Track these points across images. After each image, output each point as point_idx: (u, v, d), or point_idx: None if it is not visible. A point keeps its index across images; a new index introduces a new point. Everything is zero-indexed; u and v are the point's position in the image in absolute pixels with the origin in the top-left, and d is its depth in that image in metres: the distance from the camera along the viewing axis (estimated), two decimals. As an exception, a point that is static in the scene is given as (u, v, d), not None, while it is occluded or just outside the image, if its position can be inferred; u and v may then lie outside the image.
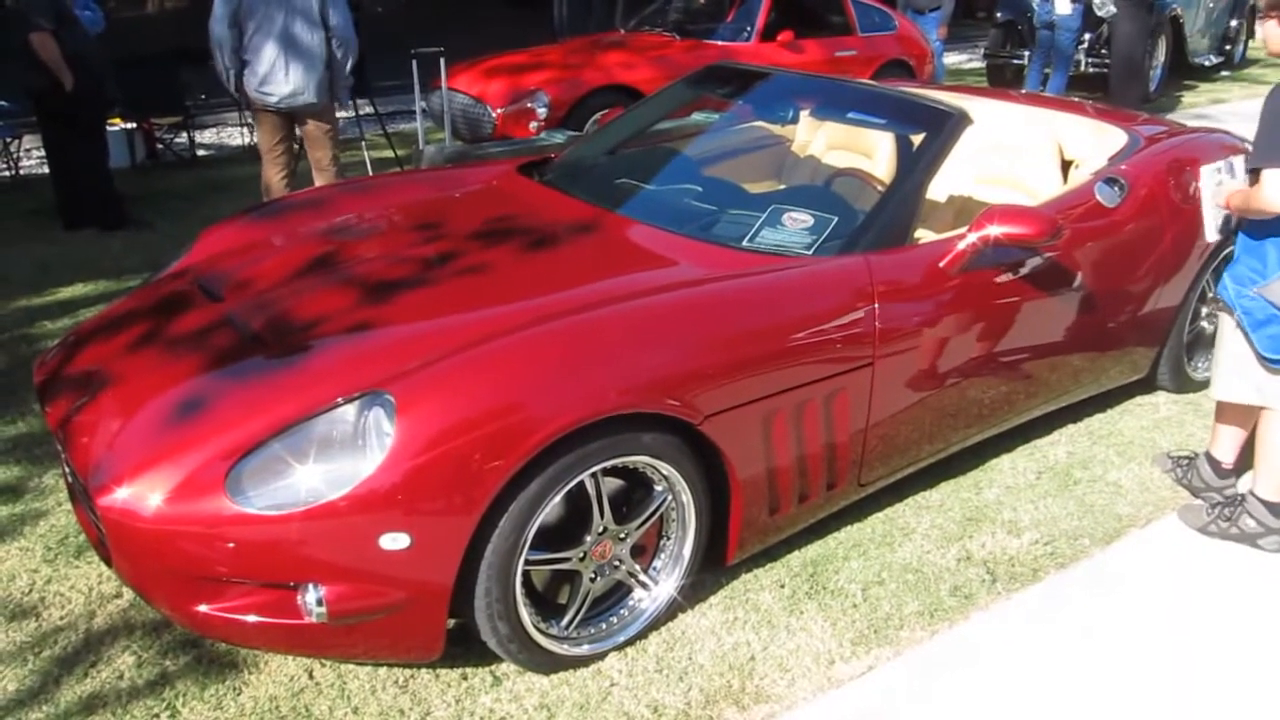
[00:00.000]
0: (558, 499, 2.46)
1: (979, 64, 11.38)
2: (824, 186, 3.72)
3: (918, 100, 3.47)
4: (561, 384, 2.40)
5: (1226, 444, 3.39)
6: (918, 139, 3.32)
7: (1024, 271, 3.29)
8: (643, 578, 2.75)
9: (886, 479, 3.22)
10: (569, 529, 2.59)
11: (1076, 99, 6.25)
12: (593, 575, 2.64)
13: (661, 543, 2.78)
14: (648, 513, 2.67)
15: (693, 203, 3.45)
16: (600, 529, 2.61)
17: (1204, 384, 4.17)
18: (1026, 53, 10.02)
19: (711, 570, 2.94)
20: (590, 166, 3.80)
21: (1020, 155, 3.99)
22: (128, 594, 2.87)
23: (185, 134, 8.24)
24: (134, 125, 7.82)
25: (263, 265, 3.15)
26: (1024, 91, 7.11)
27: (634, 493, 2.69)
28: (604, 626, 2.72)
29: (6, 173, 7.57)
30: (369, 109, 6.92)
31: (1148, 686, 2.62)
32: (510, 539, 2.41)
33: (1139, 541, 3.25)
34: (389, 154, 6.62)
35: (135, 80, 7.54)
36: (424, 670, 2.64)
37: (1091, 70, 9.99)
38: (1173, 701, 2.57)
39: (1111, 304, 3.65)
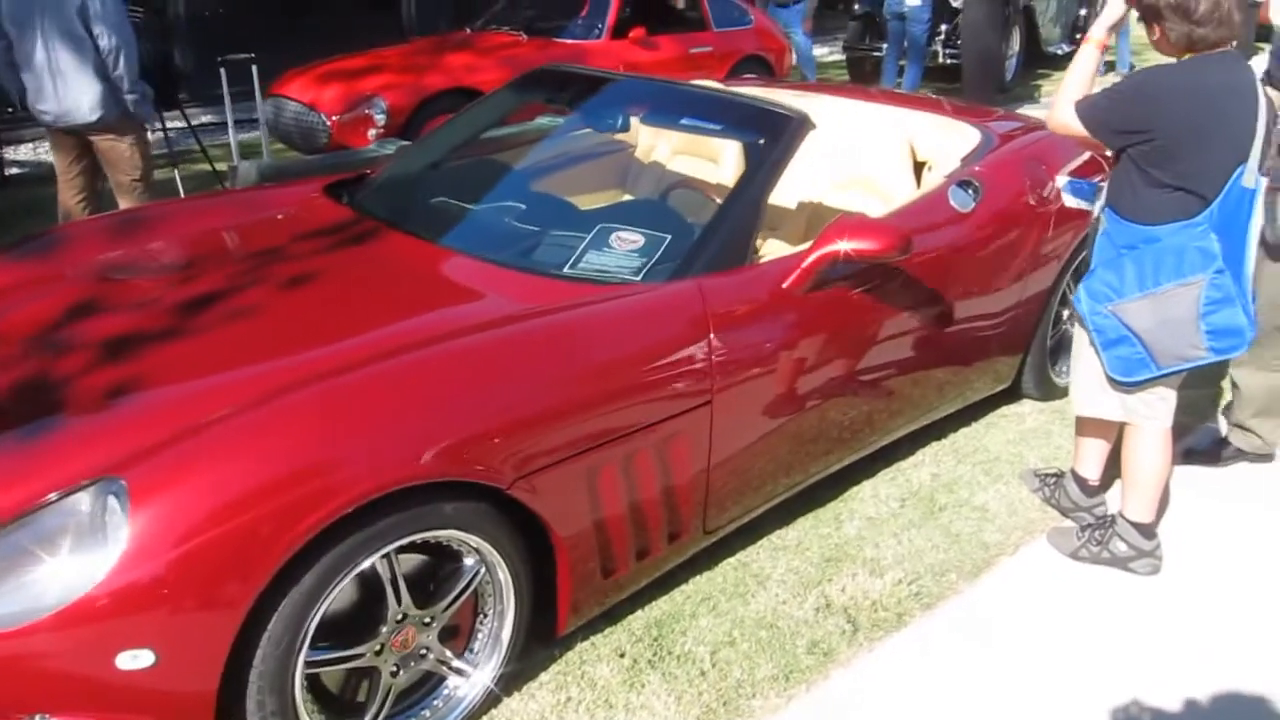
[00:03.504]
0: (341, 589, 2.08)
1: (840, 57, 11.28)
2: (659, 200, 3.42)
3: (753, 104, 3.19)
4: (330, 459, 2.01)
5: (1091, 460, 3.21)
6: (754, 146, 3.04)
7: (877, 285, 3.04)
8: (457, 664, 2.39)
9: (736, 521, 2.93)
10: (361, 619, 2.21)
11: (929, 95, 6.12)
12: (394, 669, 2.27)
13: (478, 622, 2.42)
14: (455, 592, 2.31)
15: (514, 224, 3.10)
16: (399, 616, 2.23)
17: (1069, 390, 4.02)
18: (885, 45, 9.94)
19: (543, 641, 2.60)
20: (404, 185, 3.41)
21: (872, 157, 3.75)
22: None
23: (-9, 150, 7.49)
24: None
25: (12, 315, 2.67)
26: (878, 89, 6.98)
27: (441, 568, 2.33)
28: (417, 721, 2.35)
29: None
30: (179, 123, 6.30)
31: (1020, 747, 2.38)
32: (283, 642, 2.03)
33: (1008, 573, 3.03)
34: (208, 168, 6.08)
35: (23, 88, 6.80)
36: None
37: (950, 62, 9.96)
38: (1047, 764, 2.34)
39: (971, 313, 3.44)
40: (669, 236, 2.89)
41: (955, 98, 6.16)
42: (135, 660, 1.89)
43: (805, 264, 2.79)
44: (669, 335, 2.56)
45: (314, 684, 2.20)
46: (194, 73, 6.24)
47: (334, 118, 6.53)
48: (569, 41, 7.53)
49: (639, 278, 2.75)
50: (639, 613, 2.79)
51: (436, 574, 2.33)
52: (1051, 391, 3.98)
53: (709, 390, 2.59)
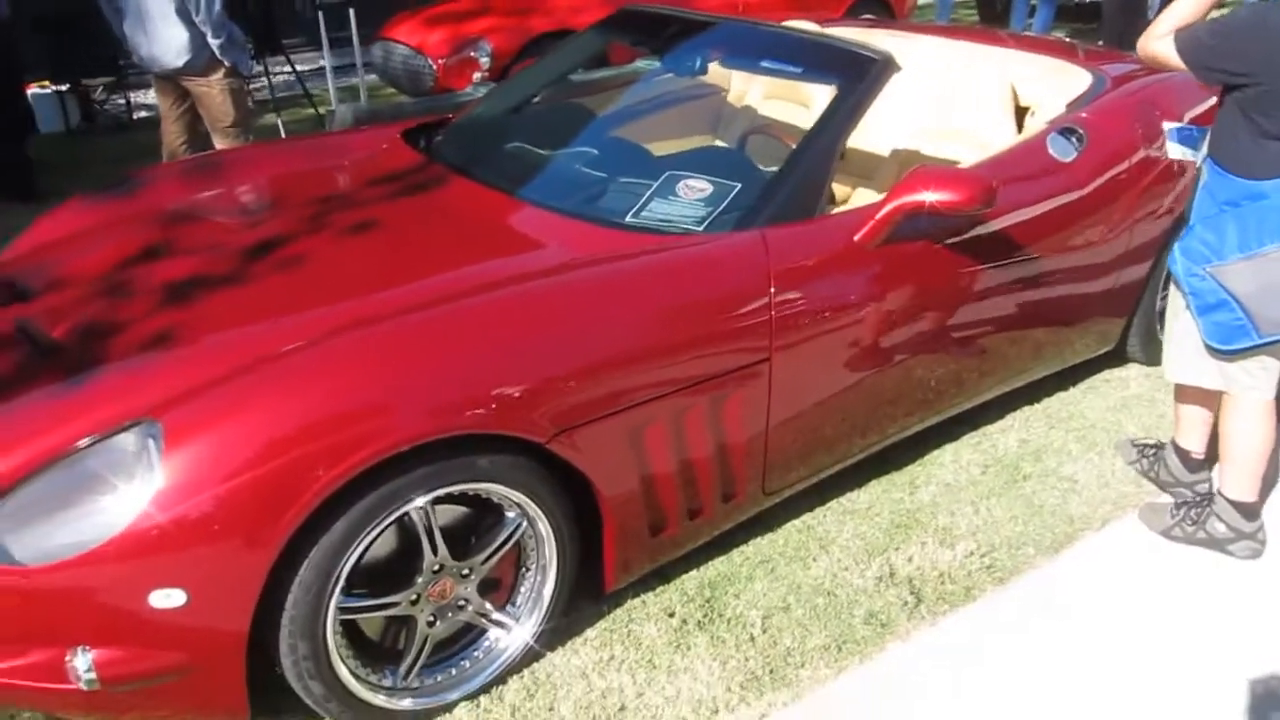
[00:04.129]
0: (373, 538, 2.08)
1: (970, -4, 10.74)
2: (733, 148, 3.27)
3: (835, 45, 3.01)
4: (361, 408, 1.99)
5: (1193, 431, 2.97)
6: (834, 89, 2.87)
7: (963, 239, 2.86)
8: (498, 616, 2.37)
9: (799, 484, 2.82)
10: (399, 568, 2.21)
11: (1050, 37, 5.73)
12: (431, 619, 2.26)
13: (520, 576, 2.39)
14: (494, 546, 2.28)
15: (582, 170, 3.02)
16: (435, 567, 2.22)
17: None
18: (1018, -17, 9.38)
19: (592, 597, 2.56)
20: (476, 130, 3.36)
21: (969, 103, 3.52)
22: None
23: (122, 95, 7.78)
24: (66, 88, 7.37)
25: (85, 259, 2.74)
26: (986, 28, 6.57)
27: (482, 521, 2.30)
28: (453, 673, 2.35)
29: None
30: (285, 66, 6.40)
31: (1083, 737, 2.24)
32: (314, 588, 2.03)
33: (1092, 549, 2.84)
34: (312, 112, 6.17)
35: (62, 40, 7.10)
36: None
37: (1087, 0, 9.35)
38: (1110, 757, 2.19)
39: (1071, 270, 3.21)
40: (738, 185, 2.77)
41: (1090, 40, 5.75)
42: (168, 599, 1.92)
43: (878, 216, 2.63)
44: (727, 288, 2.45)
45: (352, 630, 2.22)
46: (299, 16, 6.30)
47: (439, 61, 6.53)
48: (677, -19, 7.32)
49: (701, 228, 2.64)
50: (693, 572, 2.72)
51: (477, 526, 2.30)
52: (1159, 356, 3.70)
53: (768, 347, 2.48)
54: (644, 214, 2.70)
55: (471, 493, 2.21)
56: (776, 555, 2.79)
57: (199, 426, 1.95)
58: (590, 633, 2.53)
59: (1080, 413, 3.47)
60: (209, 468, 1.91)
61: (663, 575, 2.69)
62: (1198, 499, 2.86)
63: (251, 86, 5.89)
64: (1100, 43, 7.75)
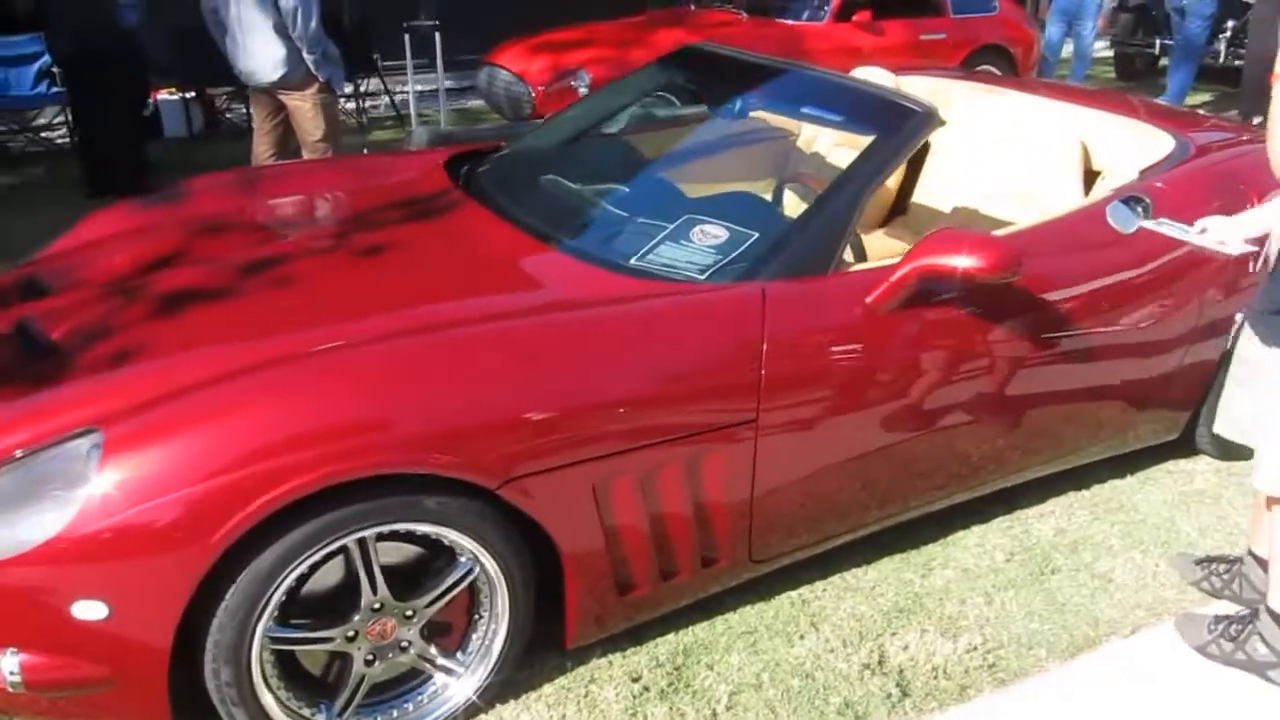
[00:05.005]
0: (305, 569, 2.03)
1: (1108, 53, 10.26)
2: (772, 195, 3.14)
3: (877, 94, 2.86)
4: (298, 437, 1.95)
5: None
6: (869, 140, 2.73)
7: (995, 309, 2.66)
8: (444, 663, 2.28)
9: (794, 554, 2.66)
10: (339, 603, 2.15)
11: (1122, 94, 5.38)
12: (370, 658, 2.20)
13: (472, 623, 2.31)
14: (439, 590, 2.20)
15: (607, 209, 2.93)
16: (375, 605, 2.15)
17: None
18: (1159, 41, 8.94)
19: (558, 650, 2.46)
20: (517, 162, 3.32)
21: (1033, 162, 3.31)
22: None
23: (243, 104, 8.10)
24: (192, 94, 7.73)
25: (106, 263, 2.81)
26: (1066, 84, 6.21)
27: (434, 563, 2.23)
28: (394, 715, 2.27)
29: (64, 139, 7.58)
30: (374, 85, 6.51)
31: None
32: (240, 614, 1.99)
33: (1113, 658, 2.58)
34: (397, 132, 6.28)
35: (192, 49, 7.43)
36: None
37: (1237, 64, 8.81)
38: None
39: (1125, 349, 2.97)
40: (755, 234, 2.64)
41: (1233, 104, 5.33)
42: (90, 610, 1.91)
43: (894, 278, 2.47)
44: (713, 342, 2.33)
45: (290, 662, 2.17)
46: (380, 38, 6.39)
47: (539, 88, 6.59)
48: (788, 23, 7.24)
49: (704, 276, 2.52)
50: (670, 636, 2.58)
51: (429, 568, 2.23)
52: (1232, 449, 3.38)
53: (755, 408, 2.34)
54: (650, 257, 2.61)
55: (421, 533, 2.14)
56: (762, 627, 2.63)
57: (138, 440, 1.94)
58: (548, 688, 2.42)
59: (1133, 504, 3.19)
60: (140, 483, 1.90)
61: (636, 636, 2.56)
62: (1238, 616, 2.57)
63: (356, 105, 6.05)
64: (1236, 111, 7.29)
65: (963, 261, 2.39)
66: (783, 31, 7.08)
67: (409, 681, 2.30)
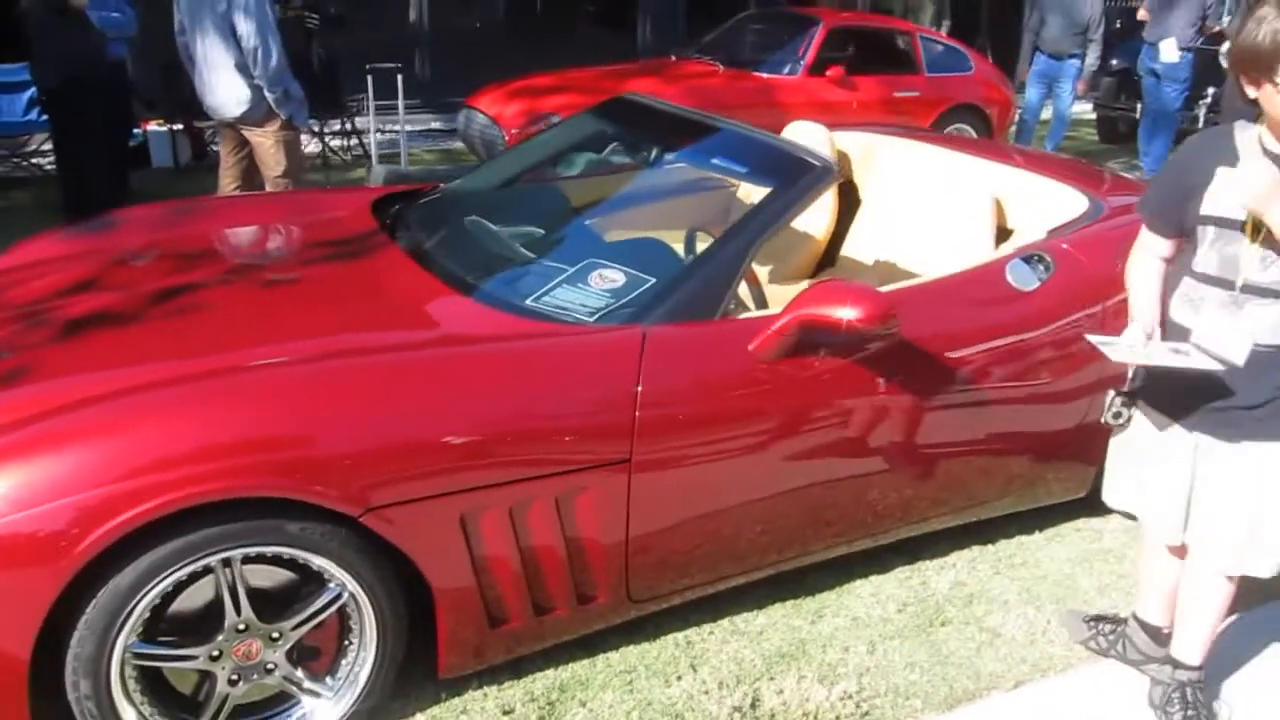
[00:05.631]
0: (165, 588, 2.07)
1: (1092, 115, 10.38)
2: (685, 242, 3.21)
3: (778, 148, 2.94)
4: (159, 459, 2.01)
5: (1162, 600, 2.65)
6: (766, 192, 2.80)
7: (886, 361, 2.72)
8: (311, 686, 2.32)
9: (676, 597, 2.70)
10: (203, 622, 2.20)
11: (1049, 154, 5.45)
12: (234, 678, 2.24)
13: (343, 649, 2.35)
14: (305, 614, 2.25)
15: (517, 251, 3.00)
16: (240, 626, 2.20)
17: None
18: (1141, 105, 9.04)
19: (435, 679, 2.49)
20: (441, 204, 3.40)
21: (947, 218, 3.38)
22: None
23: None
24: (180, 127, 7.89)
25: (29, 285, 2.89)
26: (993, 142, 6.29)
27: (303, 587, 2.28)
28: (258, 737, 2.31)
29: (52, 165, 7.73)
30: (338, 125, 6.63)
31: None
32: (99, 629, 2.05)
33: (991, 712, 2.60)
34: (361, 171, 6.41)
35: (179, 82, 7.60)
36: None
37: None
38: None
39: (1021, 406, 3.01)
40: (652, 280, 2.71)
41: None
42: (-50, 616, 1.97)
43: (774, 327, 2.53)
44: (587, 382, 2.39)
45: (155, 678, 2.21)
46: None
47: (512, 131, 6.71)
48: (763, 76, 7.37)
49: (592, 319, 2.59)
50: (549, 671, 2.62)
51: (298, 592, 2.28)
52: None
53: (628, 449, 2.39)
54: (545, 299, 2.68)
55: (287, 557, 2.20)
56: (642, 666, 2.66)
57: (7, 459, 2.01)
58: (419, 717, 2.46)
59: (1036, 560, 3.22)
60: (8, 499, 1.96)
61: (516, 669, 2.60)
62: (1187, 680, 2.52)
63: (321, 143, 6.16)
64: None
65: (839, 312, 2.45)
66: (757, 84, 7.21)
67: (277, 705, 2.34)
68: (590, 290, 2.70)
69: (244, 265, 2.88)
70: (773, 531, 2.74)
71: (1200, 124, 8.82)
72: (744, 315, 2.69)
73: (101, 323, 2.57)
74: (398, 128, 6.85)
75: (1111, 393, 2.48)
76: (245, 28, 4.55)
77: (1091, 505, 3.41)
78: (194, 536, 2.06)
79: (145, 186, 7.05)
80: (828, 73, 7.31)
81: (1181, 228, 2.28)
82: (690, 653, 2.72)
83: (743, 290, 2.99)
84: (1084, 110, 10.26)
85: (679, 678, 2.63)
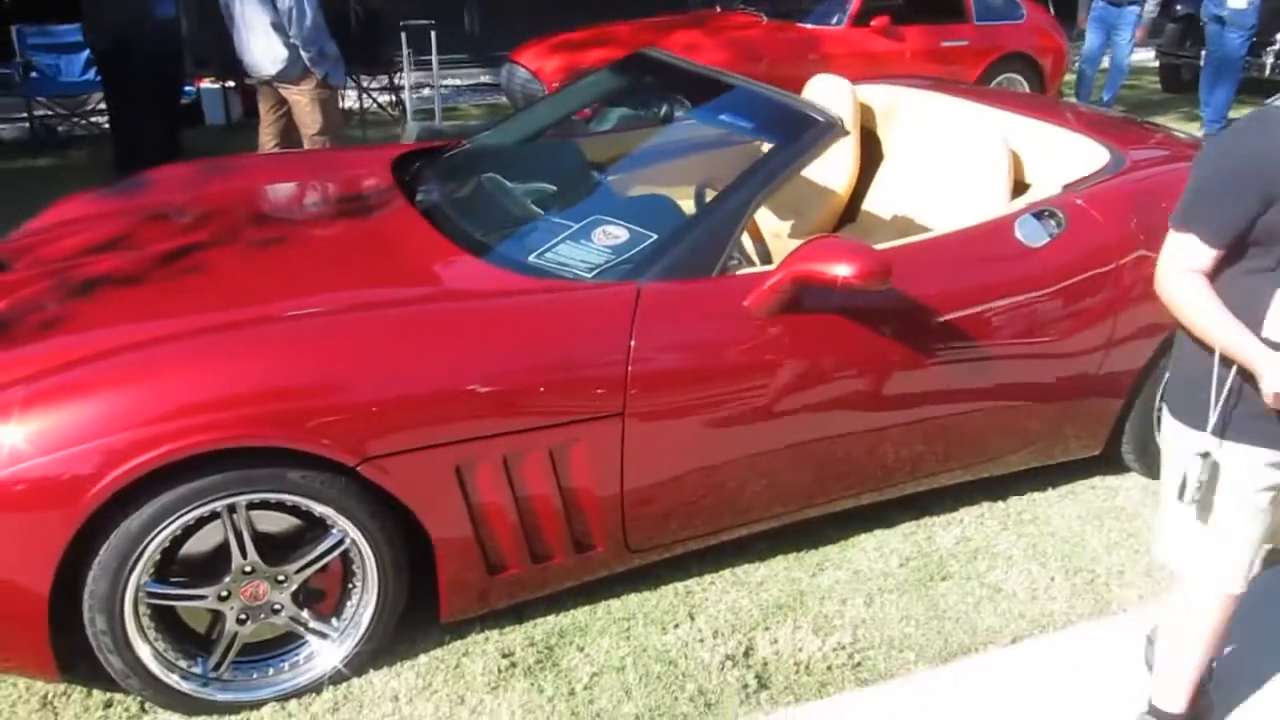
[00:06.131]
0: (173, 530, 2.19)
1: (1155, 64, 10.05)
2: (695, 198, 3.23)
3: (784, 103, 2.93)
4: (166, 409, 2.12)
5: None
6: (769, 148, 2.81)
7: (888, 318, 2.73)
8: (316, 626, 2.44)
9: (677, 547, 2.76)
10: (212, 564, 2.32)
11: (1078, 106, 5.30)
12: (242, 617, 2.36)
13: (346, 592, 2.46)
14: (308, 558, 2.35)
15: (526, 208, 3.05)
16: (246, 568, 2.32)
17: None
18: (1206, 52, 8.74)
19: (439, 623, 2.59)
20: (461, 161, 3.46)
21: (963, 171, 3.34)
22: None
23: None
24: (231, 84, 8.04)
25: (60, 244, 3.01)
26: (1018, 93, 6.11)
27: (309, 532, 2.38)
28: (269, 673, 2.43)
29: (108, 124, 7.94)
30: (378, 83, 6.68)
31: None
32: (112, 568, 2.18)
33: (987, 667, 2.62)
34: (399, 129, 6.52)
35: (231, 41, 7.75)
36: (77, 689, 2.43)
37: (1282, 77, 8.57)
38: None
39: (1030, 363, 2.99)
40: (654, 236, 2.74)
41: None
42: (-25, 555, 2.11)
43: (768, 284, 2.55)
44: (580, 338, 2.44)
45: (168, 616, 2.34)
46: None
47: (553, 86, 6.73)
48: (807, 26, 7.27)
49: (591, 275, 2.63)
50: (550, 618, 2.70)
51: (304, 537, 2.38)
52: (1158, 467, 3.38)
53: (621, 402, 2.45)
54: (546, 256, 2.72)
55: (291, 504, 2.30)
56: (641, 614, 2.73)
57: (22, 409, 2.12)
58: (422, 658, 2.56)
59: (1046, 517, 3.21)
60: (21, 445, 2.08)
61: (518, 615, 2.69)
62: None
63: (359, 99, 6.20)
64: None
65: (833, 269, 2.46)
66: (800, 35, 7.12)
67: (285, 645, 2.46)
68: (593, 247, 2.74)
69: (258, 223, 2.97)
70: (775, 485, 2.78)
71: (1268, 72, 8.51)
72: (743, 271, 2.71)
73: (119, 280, 2.68)
74: (424, 84, 6.90)
75: (1198, 461, 2.02)
76: None
77: (1108, 462, 3.41)
78: (198, 483, 2.17)
79: (197, 144, 7.21)
80: (872, 23, 7.19)
81: (1247, 237, 1.94)
82: (689, 601, 2.79)
83: (752, 246, 3.02)
84: (1146, 58, 9.95)
85: (676, 626, 2.70)
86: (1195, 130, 8.19)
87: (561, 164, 3.44)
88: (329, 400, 2.22)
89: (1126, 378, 3.15)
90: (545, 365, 2.39)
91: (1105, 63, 8.62)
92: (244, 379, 2.18)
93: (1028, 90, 7.79)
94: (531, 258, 2.72)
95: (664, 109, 3.32)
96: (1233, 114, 8.34)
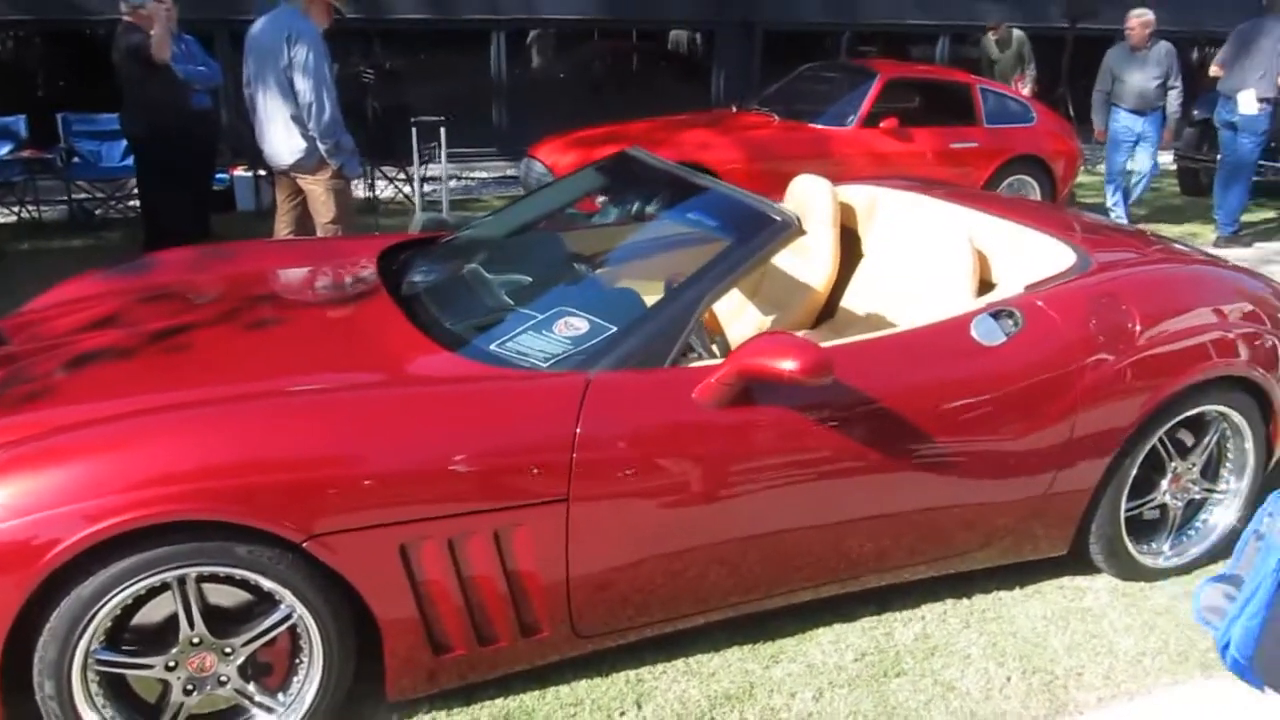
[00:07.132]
0: (121, 600, 2.27)
1: (1173, 166, 10.13)
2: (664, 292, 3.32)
3: (744, 202, 3.03)
4: (123, 483, 2.22)
5: None
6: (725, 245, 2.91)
7: (839, 414, 2.78)
8: (261, 699, 2.49)
9: (627, 634, 2.79)
10: (160, 633, 2.39)
11: (1053, 207, 5.36)
12: (188, 688, 2.42)
13: (294, 666, 2.51)
14: (256, 631, 2.42)
15: (497, 298, 3.16)
16: (194, 639, 2.39)
17: (1163, 572, 3.40)
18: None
19: (386, 702, 2.63)
20: (443, 253, 3.60)
21: (933, 271, 3.42)
22: None
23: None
24: (263, 173, 8.37)
25: (59, 321, 3.18)
26: (983, 192, 6.21)
27: (258, 606, 2.46)
28: (212, 746, 2.48)
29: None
30: (393, 174, 6.95)
31: None
32: (62, 635, 2.26)
33: (927, 763, 2.61)
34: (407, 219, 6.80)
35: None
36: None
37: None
38: None
39: (991, 462, 3.02)
40: (613, 328, 2.84)
41: None
42: (-69, 620, 2.20)
43: (714, 377, 2.63)
44: (526, 424, 2.52)
45: (119, 684, 2.41)
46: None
47: (566, 181, 6.93)
48: (817, 127, 7.46)
49: (546, 365, 2.72)
50: (499, 700, 2.73)
51: (253, 610, 2.45)
52: (1134, 571, 3.37)
53: (565, 488, 2.51)
54: (508, 345, 2.82)
55: (239, 578, 2.38)
56: (589, 700, 2.75)
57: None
58: (364, 735, 2.60)
59: (1009, 616, 3.20)
60: (-6, 509, 2.20)
61: (468, 695, 2.72)
62: None
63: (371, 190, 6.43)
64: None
65: (775, 363, 2.53)
66: (810, 135, 7.31)
67: (232, 717, 2.51)
68: (553, 337, 2.84)
69: (247, 306, 3.11)
70: (730, 575, 2.81)
71: (1284, 175, 8.57)
72: (697, 364, 2.79)
73: (107, 357, 2.82)
74: (453, 176, 7.17)
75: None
76: (302, 84, 4.88)
77: (1079, 562, 3.40)
78: (149, 554, 2.26)
79: (226, 228, 7.50)
80: (882, 124, 7.36)
81: None
82: (639, 689, 2.81)
83: (713, 340, 3.10)
84: (1164, 161, 10.02)
85: (622, 714, 2.71)
86: (1210, 233, 8.24)
87: (542, 256, 3.57)
88: (278, 477, 2.31)
89: (1089, 477, 3.16)
90: (491, 450, 2.47)
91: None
92: (196, 454, 2.28)
93: (1038, 193, 7.90)
94: (493, 346, 2.82)
95: (639, 206, 3.45)
96: (1246, 217, 8.39)
